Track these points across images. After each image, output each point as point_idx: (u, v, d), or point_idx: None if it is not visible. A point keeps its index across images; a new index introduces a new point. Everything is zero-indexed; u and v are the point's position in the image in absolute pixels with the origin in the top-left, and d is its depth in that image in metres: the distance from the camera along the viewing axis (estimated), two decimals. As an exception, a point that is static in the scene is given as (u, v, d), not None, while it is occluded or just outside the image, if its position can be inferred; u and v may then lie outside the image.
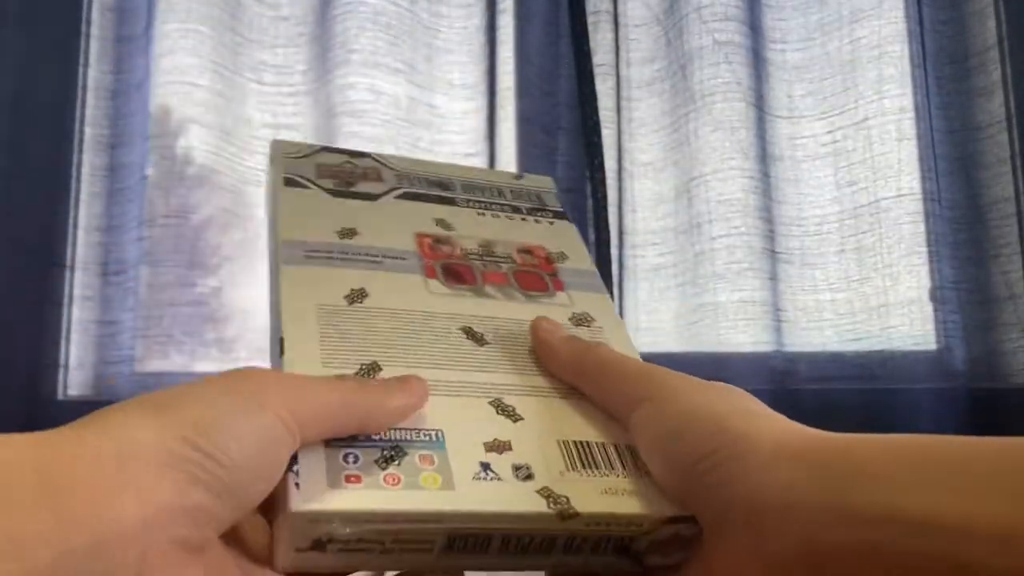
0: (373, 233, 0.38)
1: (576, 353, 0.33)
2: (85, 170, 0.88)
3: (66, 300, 0.85)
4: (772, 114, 0.91)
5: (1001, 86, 0.90)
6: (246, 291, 0.86)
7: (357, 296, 0.35)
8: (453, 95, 0.91)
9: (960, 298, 0.87)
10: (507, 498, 0.28)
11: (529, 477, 0.29)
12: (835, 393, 0.84)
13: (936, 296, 0.85)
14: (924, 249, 0.86)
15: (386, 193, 0.42)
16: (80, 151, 0.88)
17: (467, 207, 0.43)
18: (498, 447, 0.30)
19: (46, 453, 0.21)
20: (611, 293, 0.85)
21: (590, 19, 0.90)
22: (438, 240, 0.40)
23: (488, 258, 0.39)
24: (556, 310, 0.37)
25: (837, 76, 0.92)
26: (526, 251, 0.41)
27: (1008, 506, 0.18)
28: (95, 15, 0.90)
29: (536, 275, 0.39)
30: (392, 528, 0.27)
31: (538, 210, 0.44)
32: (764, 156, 0.89)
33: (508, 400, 0.32)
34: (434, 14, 0.93)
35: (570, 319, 0.37)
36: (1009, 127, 0.88)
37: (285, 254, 0.36)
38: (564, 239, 0.42)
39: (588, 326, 0.37)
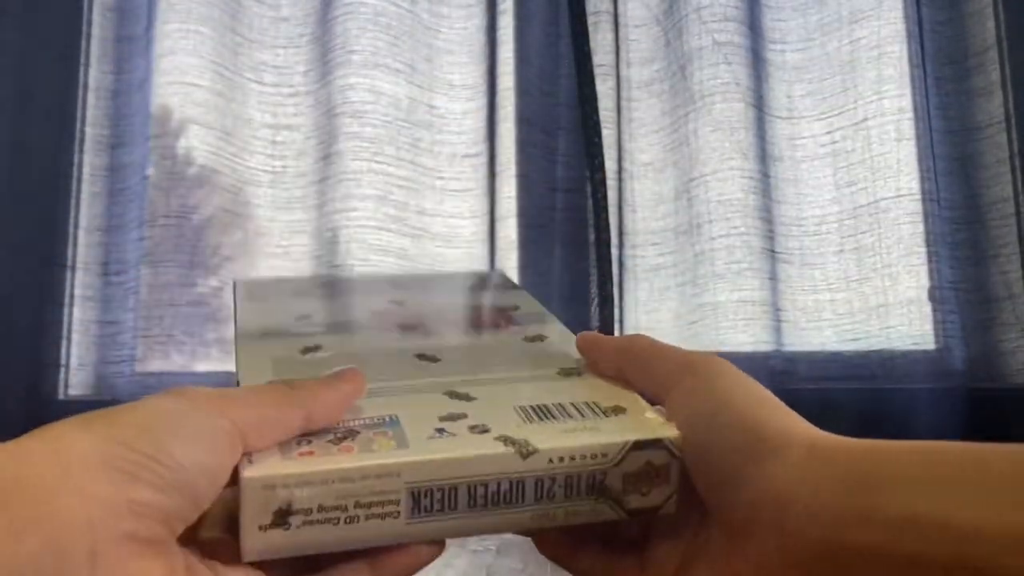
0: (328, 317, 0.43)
1: (625, 339, 0.34)
2: (86, 170, 0.88)
3: (67, 300, 0.85)
4: (772, 114, 0.91)
5: (1000, 86, 0.90)
6: (246, 291, 0.86)
7: (312, 349, 0.37)
8: (453, 95, 0.91)
9: (959, 298, 0.88)
10: (463, 446, 0.28)
11: (485, 431, 0.29)
12: (834, 393, 0.84)
13: (935, 296, 0.85)
14: (923, 249, 0.86)
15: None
16: (81, 151, 0.88)
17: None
18: (453, 417, 0.30)
19: None
20: (611, 296, 0.85)
21: (590, 19, 0.91)
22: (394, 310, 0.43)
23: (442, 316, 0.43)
24: (509, 337, 0.40)
25: (836, 76, 0.92)
26: (478, 309, 0.45)
27: (1019, 511, 0.20)
28: (96, 15, 0.90)
29: (489, 319, 0.43)
30: (351, 488, 0.27)
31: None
32: (764, 156, 0.89)
33: (461, 389, 0.33)
34: (434, 15, 0.93)
35: (524, 339, 0.39)
36: (1008, 127, 0.89)
37: (242, 338, 0.39)
38: (517, 298, 0.45)
39: (541, 341, 0.39)
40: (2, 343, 0.81)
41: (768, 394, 0.29)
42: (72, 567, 0.21)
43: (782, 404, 0.28)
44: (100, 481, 0.22)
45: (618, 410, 0.31)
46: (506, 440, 0.28)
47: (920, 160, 0.88)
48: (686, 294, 0.88)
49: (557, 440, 0.28)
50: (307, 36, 0.91)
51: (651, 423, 0.30)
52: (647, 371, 0.32)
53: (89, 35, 0.90)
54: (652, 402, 0.32)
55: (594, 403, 0.31)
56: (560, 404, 0.31)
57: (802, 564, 0.23)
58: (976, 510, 0.20)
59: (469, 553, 0.60)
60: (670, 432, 0.29)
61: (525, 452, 0.28)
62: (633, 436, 0.29)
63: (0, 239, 0.83)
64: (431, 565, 0.56)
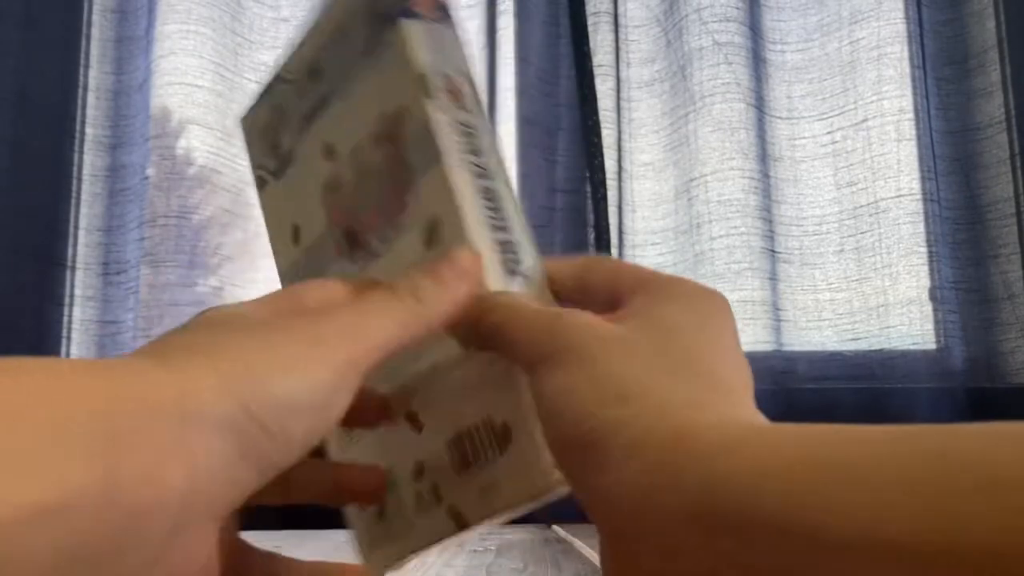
0: (305, 224, 0.35)
1: (470, 319, 0.26)
2: (86, 171, 0.88)
3: (67, 300, 0.85)
4: (772, 115, 0.91)
5: (1000, 87, 0.90)
6: (246, 291, 0.86)
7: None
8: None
9: (959, 298, 0.88)
10: (432, 530, 0.29)
11: (438, 499, 0.29)
12: (834, 393, 0.84)
13: (935, 296, 0.86)
14: (923, 249, 0.86)
15: (293, 146, 0.35)
16: (81, 152, 0.88)
17: (336, 101, 0.33)
18: (417, 473, 0.30)
19: (107, 390, 0.19)
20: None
21: (590, 20, 0.91)
22: (335, 194, 0.33)
23: (363, 184, 0.32)
24: (412, 238, 0.29)
25: (836, 77, 0.92)
26: (379, 141, 0.30)
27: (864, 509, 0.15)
28: (96, 16, 0.91)
29: (394, 190, 0.30)
30: None
31: (373, 39, 0.31)
32: (764, 156, 0.89)
33: (414, 403, 0.30)
34: (434, 15, 0.93)
35: (424, 243, 0.29)
36: (1008, 127, 0.89)
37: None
38: (392, 79, 0.30)
39: (439, 243, 0.28)
40: (2, 343, 0.81)
41: (652, 359, 0.23)
42: (150, 537, 0.19)
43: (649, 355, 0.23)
44: (212, 451, 0.20)
45: (506, 437, 0.27)
46: (451, 514, 0.29)
47: (920, 160, 0.88)
48: (686, 294, 0.88)
49: (480, 508, 0.28)
50: (307, 36, 0.91)
51: (540, 473, 0.26)
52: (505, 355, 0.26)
53: (89, 36, 0.90)
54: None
55: (487, 423, 0.28)
56: (476, 430, 0.28)
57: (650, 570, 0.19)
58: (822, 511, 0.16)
59: (469, 553, 0.60)
60: (560, 490, 0.26)
61: (461, 526, 0.28)
62: (538, 489, 0.26)
63: (0, 239, 0.83)
64: (431, 565, 0.56)
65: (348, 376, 0.22)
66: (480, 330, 0.26)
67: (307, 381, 0.21)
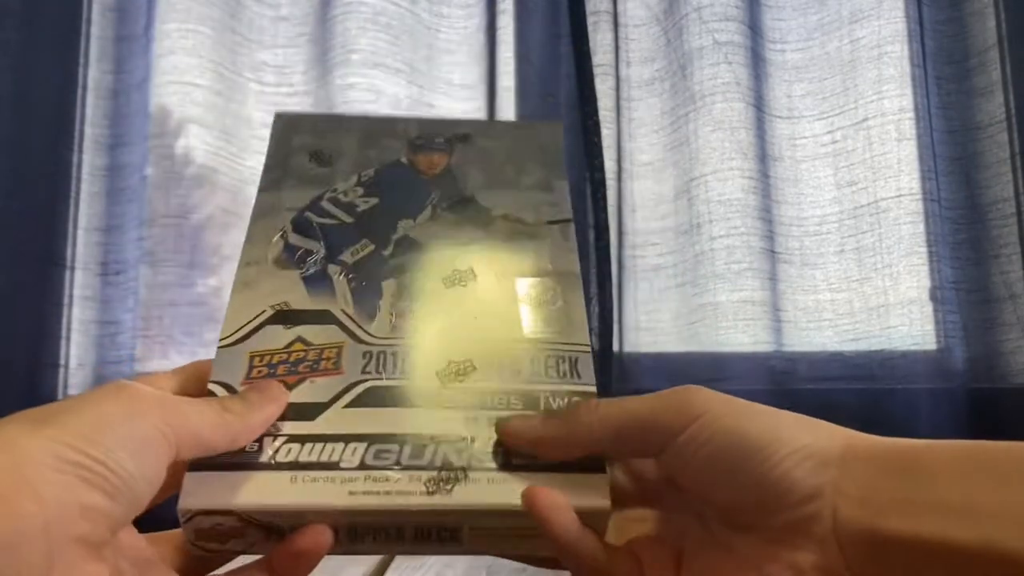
0: None
1: (572, 423, 0.31)
2: (85, 170, 0.88)
3: (66, 300, 0.85)
4: (772, 114, 0.91)
5: (1001, 86, 0.90)
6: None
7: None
8: (453, 95, 0.91)
9: (960, 298, 0.87)
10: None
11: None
12: (835, 393, 0.84)
13: (936, 296, 0.85)
14: (924, 249, 0.86)
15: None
16: (80, 151, 0.88)
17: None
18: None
19: None
20: (611, 297, 0.85)
21: (590, 19, 0.91)
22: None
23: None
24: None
25: (837, 76, 0.92)
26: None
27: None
28: (95, 15, 0.90)
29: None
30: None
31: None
32: (764, 156, 0.89)
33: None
34: (434, 14, 0.93)
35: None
36: (1009, 127, 0.89)
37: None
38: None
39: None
40: (2, 343, 0.81)
41: (774, 411, 0.30)
42: (28, 569, 0.22)
43: (795, 416, 0.30)
44: (54, 484, 0.23)
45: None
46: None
47: (921, 160, 0.87)
48: (686, 294, 0.88)
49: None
50: (306, 36, 0.90)
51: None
52: (627, 443, 0.30)
53: (88, 35, 0.90)
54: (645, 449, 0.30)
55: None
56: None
57: (849, 548, 0.25)
58: (997, 496, 0.23)
59: (469, 554, 0.60)
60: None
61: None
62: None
63: (0, 239, 0.83)
64: (431, 565, 0.56)
65: (159, 437, 0.26)
66: (592, 443, 0.31)
67: (130, 423, 0.26)
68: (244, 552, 0.30)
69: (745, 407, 0.29)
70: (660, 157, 0.92)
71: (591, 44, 0.90)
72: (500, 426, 0.31)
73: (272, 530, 0.29)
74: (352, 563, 0.56)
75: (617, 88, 0.90)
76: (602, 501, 0.29)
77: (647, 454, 0.30)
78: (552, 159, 0.41)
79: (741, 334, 0.85)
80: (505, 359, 0.33)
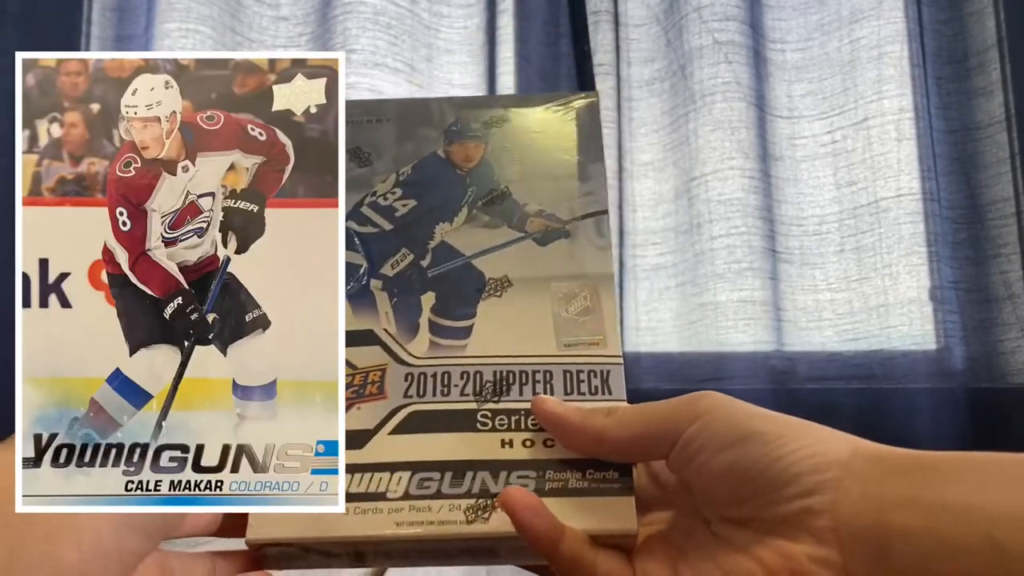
0: None
1: (591, 421, 0.32)
2: (85, 170, 0.88)
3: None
4: (772, 114, 0.91)
5: (1000, 86, 0.90)
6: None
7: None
8: (453, 95, 0.91)
9: (959, 298, 0.88)
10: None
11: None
12: (834, 393, 0.84)
13: (935, 296, 0.85)
14: (923, 249, 0.86)
15: None
16: (80, 151, 0.88)
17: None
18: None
19: None
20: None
21: (590, 19, 0.91)
22: None
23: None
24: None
25: (837, 76, 0.92)
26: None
27: None
28: (95, 15, 0.90)
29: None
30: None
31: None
32: (764, 156, 0.89)
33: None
34: (434, 14, 0.93)
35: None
36: (1008, 127, 0.89)
37: None
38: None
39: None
40: (1, 344, 0.81)
41: (764, 409, 0.30)
42: None
43: (780, 413, 0.30)
44: (99, 524, 0.25)
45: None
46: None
47: (920, 160, 0.88)
48: (686, 294, 0.88)
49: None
50: (307, 35, 0.91)
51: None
52: (643, 440, 0.32)
53: (89, 35, 0.90)
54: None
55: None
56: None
57: (851, 543, 0.26)
58: (999, 498, 0.24)
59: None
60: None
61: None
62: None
63: (0, 239, 0.83)
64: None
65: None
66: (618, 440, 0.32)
67: None
68: (311, 568, 0.33)
69: (755, 409, 0.30)
70: (660, 157, 0.92)
71: (591, 44, 0.90)
72: (536, 401, 0.33)
73: (328, 555, 0.32)
74: (352, 562, 0.56)
75: (617, 88, 0.90)
76: (629, 525, 0.31)
77: (660, 456, 0.31)
78: (588, 140, 0.41)
79: (741, 334, 0.85)
80: (538, 375, 0.35)
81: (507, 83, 0.90)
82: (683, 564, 0.30)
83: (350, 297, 0.37)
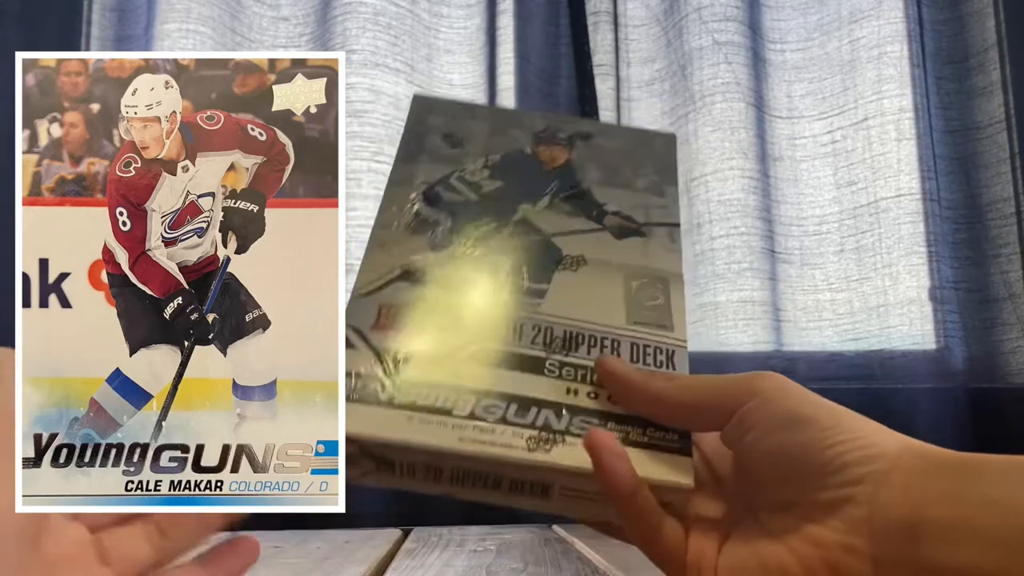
0: None
1: (651, 382, 0.33)
2: (85, 170, 0.88)
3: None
4: (772, 114, 0.91)
5: (1000, 86, 0.90)
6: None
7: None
8: (453, 95, 0.91)
9: (959, 298, 0.88)
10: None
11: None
12: (834, 393, 0.83)
13: (935, 296, 0.85)
14: (923, 249, 0.86)
15: None
16: (80, 151, 0.88)
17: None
18: None
19: None
20: None
21: (590, 19, 0.91)
22: None
23: None
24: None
25: (836, 76, 0.92)
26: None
27: None
28: (95, 15, 0.90)
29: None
30: None
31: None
32: (764, 156, 0.89)
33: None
34: (434, 14, 0.93)
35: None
36: (1008, 127, 0.89)
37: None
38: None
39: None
40: (2, 343, 0.81)
41: (820, 397, 0.31)
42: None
43: (835, 403, 0.31)
44: None
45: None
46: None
47: (920, 160, 0.88)
48: (687, 294, 0.88)
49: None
50: (307, 36, 0.91)
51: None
52: (695, 408, 0.33)
53: (89, 35, 0.90)
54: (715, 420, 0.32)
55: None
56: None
57: (883, 530, 0.26)
58: None
59: (469, 553, 0.60)
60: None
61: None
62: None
63: (0, 239, 0.83)
64: (431, 565, 0.56)
65: None
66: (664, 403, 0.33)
67: None
68: (355, 481, 0.32)
69: (812, 395, 0.31)
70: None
71: (591, 44, 0.90)
72: (601, 359, 0.34)
73: (383, 463, 0.32)
74: (352, 563, 0.56)
75: (617, 88, 0.90)
76: (685, 479, 0.31)
77: (714, 428, 0.32)
78: (665, 166, 0.44)
79: (741, 334, 0.85)
80: (607, 341, 0.36)
81: (507, 83, 0.90)
82: (727, 547, 0.31)
83: (433, 245, 0.38)
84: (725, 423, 0.31)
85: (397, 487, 0.33)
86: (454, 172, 0.41)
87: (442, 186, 0.40)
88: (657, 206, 0.42)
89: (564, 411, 0.33)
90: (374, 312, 0.35)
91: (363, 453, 0.31)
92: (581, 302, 0.37)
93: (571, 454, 0.31)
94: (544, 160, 0.42)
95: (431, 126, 0.43)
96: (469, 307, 0.36)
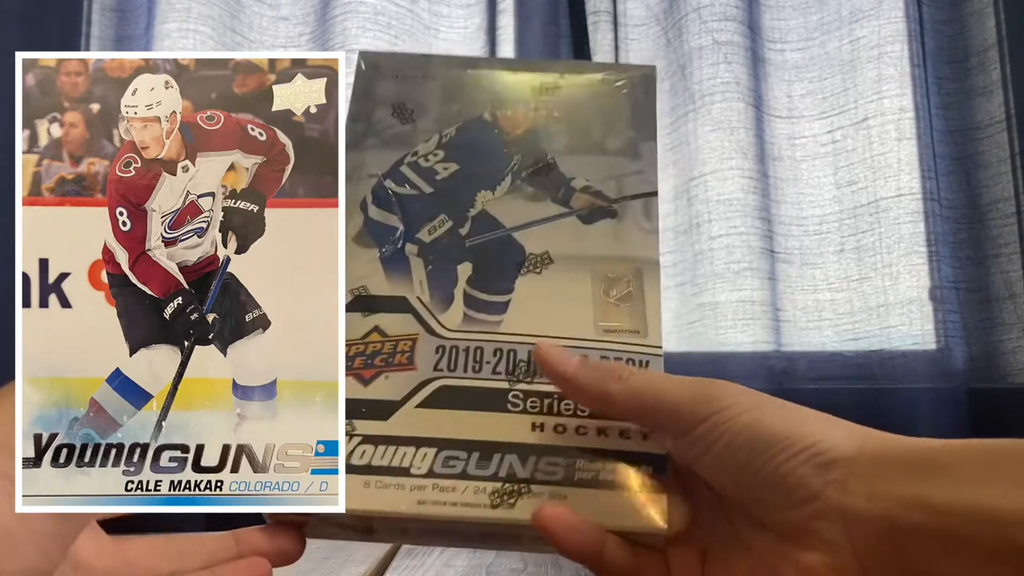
0: None
1: (600, 383, 0.31)
2: (85, 170, 0.88)
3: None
4: (771, 114, 0.91)
5: (1000, 86, 0.90)
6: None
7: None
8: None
9: (960, 298, 0.88)
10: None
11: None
12: (834, 393, 0.84)
13: (936, 296, 0.85)
14: (924, 249, 0.86)
15: None
16: (80, 151, 0.88)
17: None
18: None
19: None
20: None
21: (590, 19, 0.91)
22: None
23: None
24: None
25: (836, 76, 0.92)
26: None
27: None
28: (95, 15, 0.90)
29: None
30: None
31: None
32: (763, 156, 0.89)
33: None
34: (434, 14, 0.93)
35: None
36: (1008, 127, 0.89)
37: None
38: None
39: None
40: (1, 345, 0.81)
41: (794, 407, 0.30)
42: None
43: (791, 404, 0.30)
44: None
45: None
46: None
47: (920, 159, 0.88)
48: (686, 294, 0.88)
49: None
50: (307, 35, 0.91)
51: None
52: (646, 419, 0.31)
53: (89, 35, 0.90)
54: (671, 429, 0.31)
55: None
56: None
57: (865, 545, 0.26)
58: (1013, 495, 0.23)
59: (469, 553, 0.60)
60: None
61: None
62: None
63: (0, 239, 0.83)
64: (431, 565, 0.56)
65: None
66: (615, 403, 0.31)
67: None
68: (324, 538, 0.33)
69: (770, 403, 0.29)
70: (659, 156, 0.92)
71: (591, 44, 0.90)
72: (539, 347, 0.32)
73: (346, 528, 0.31)
74: (352, 563, 0.56)
75: (617, 88, 0.90)
76: (659, 522, 0.30)
77: (667, 434, 0.31)
78: (642, 116, 0.40)
79: (741, 334, 0.85)
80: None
81: (507, 83, 0.90)
82: (711, 566, 0.30)
83: (384, 260, 0.35)
84: (678, 434, 0.30)
85: (366, 542, 0.32)
86: (405, 157, 0.38)
87: (392, 177, 0.37)
88: (632, 172, 0.39)
89: (530, 455, 0.31)
90: None
91: (323, 520, 0.31)
92: (546, 312, 0.34)
93: (535, 506, 0.30)
94: (505, 128, 0.39)
95: (379, 97, 0.39)
96: (423, 339, 0.34)
